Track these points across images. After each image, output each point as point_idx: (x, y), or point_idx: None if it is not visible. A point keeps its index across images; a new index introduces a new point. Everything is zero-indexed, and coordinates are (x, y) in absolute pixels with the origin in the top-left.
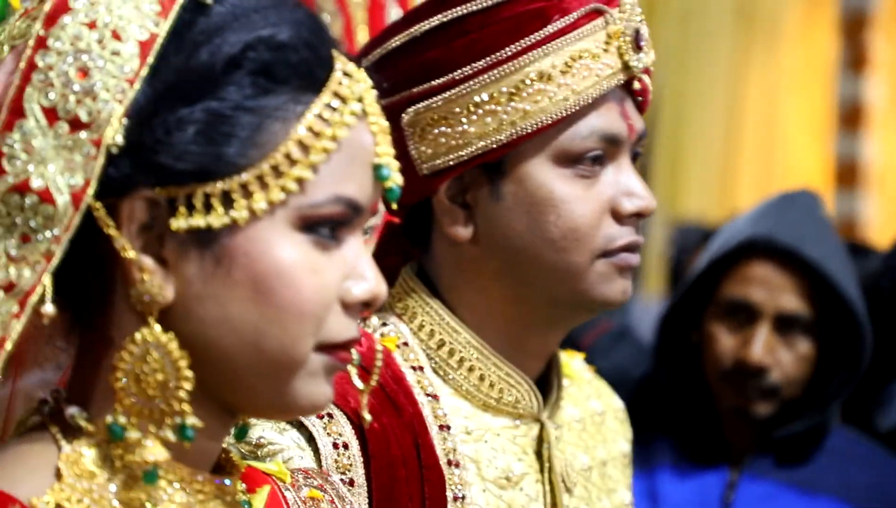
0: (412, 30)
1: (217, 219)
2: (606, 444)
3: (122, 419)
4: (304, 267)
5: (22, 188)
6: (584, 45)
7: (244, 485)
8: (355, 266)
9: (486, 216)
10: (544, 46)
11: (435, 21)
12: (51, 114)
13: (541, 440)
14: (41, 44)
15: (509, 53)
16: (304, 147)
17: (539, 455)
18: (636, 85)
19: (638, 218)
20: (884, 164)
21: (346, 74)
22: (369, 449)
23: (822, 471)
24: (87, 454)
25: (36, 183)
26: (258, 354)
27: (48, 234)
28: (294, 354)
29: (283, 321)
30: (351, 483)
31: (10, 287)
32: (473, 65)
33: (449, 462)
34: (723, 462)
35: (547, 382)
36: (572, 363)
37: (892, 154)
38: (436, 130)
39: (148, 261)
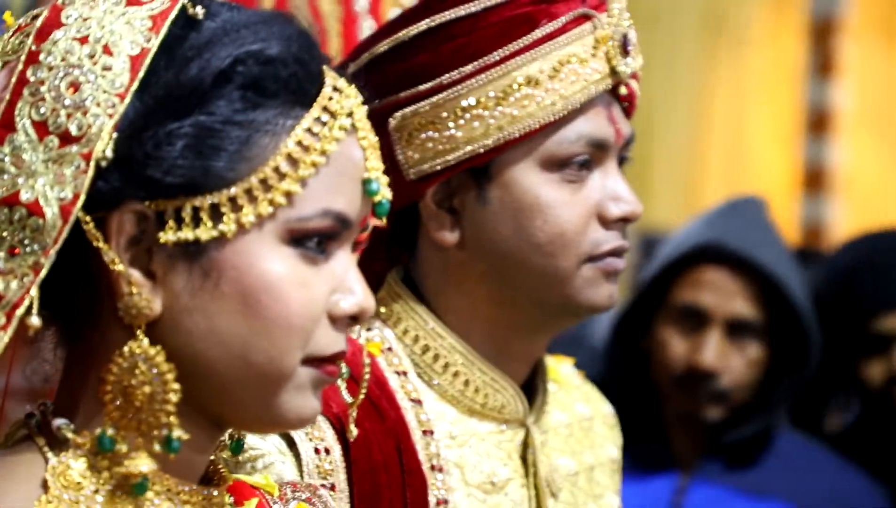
0: (399, 34)
1: (205, 232)
2: (594, 449)
3: (110, 431)
4: (293, 281)
5: (11, 201)
6: (571, 50)
7: (232, 498)
8: (343, 280)
9: (472, 221)
10: (532, 51)
11: (423, 26)
12: (41, 128)
13: (526, 445)
14: (33, 59)
15: (497, 58)
16: (293, 161)
17: (524, 459)
18: (623, 90)
19: (624, 223)
20: (851, 169)
21: (336, 89)
22: (351, 454)
23: (771, 475)
24: (74, 465)
25: (25, 196)
26: (246, 367)
27: (36, 247)
28: (281, 367)
29: (271, 333)
30: (332, 488)
31: None
32: (461, 69)
33: (432, 467)
34: (672, 467)
35: (533, 387)
36: (560, 368)
37: (860, 159)
38: (423, 135)
39: (136, 274)
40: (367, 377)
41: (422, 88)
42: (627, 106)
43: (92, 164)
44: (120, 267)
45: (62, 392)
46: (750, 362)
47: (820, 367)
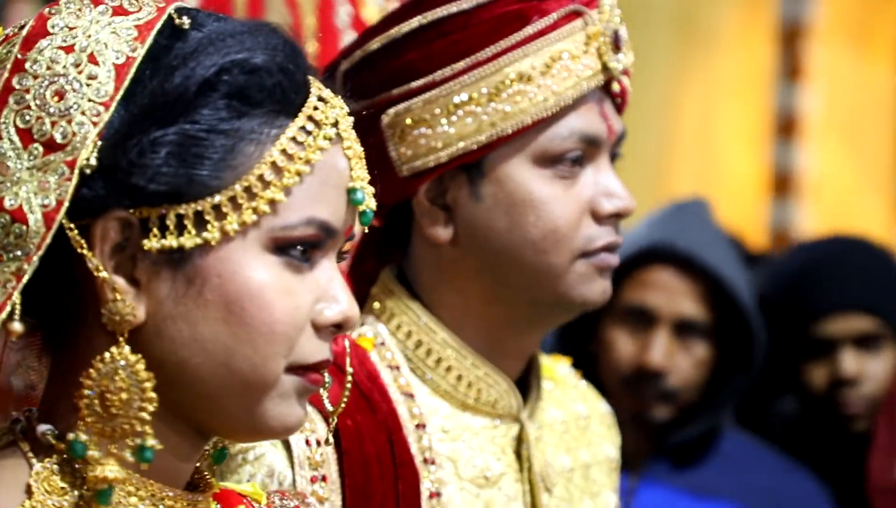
0: (391, 32)
1: (189, 240)
2: (591, 447)
3: (83, 436)
4: (276, 288)
5: None
6: (563, 46)
7: (219, 505)
8: (328, 289)
9: (465, 217)
10: (524, 47)
11: (414, 23)
12: (26, 136)
13: (520, 441)
14: (18, 67)
15: (489, 54)
16: (278, 170)
17: (518, 454)
18: (615, 86)
19: (617, 218)
20: (819, 173)
21: (321, 99)
22: (342, 446)
23: (718, 476)
24: (57, 471)
25: (9, 203)
26: (229, 374)
27: (20, 253)
28: (265, 374)
29: (254, 341)
30: (324, 479)
31: None
32: (453, 66)
33: (425, 460)
34: (622, 468)
35: (527, 383)
36: (557, 368)
37: (828, 164)
38: (416, 132)
39: (120, 281)
40: (346, 394)
41: (414, 84)
42: (619, 102)
43: (76, 171)
44: (104, 274)
45: (47, 398)
46: (697, 362)
47: (765, 369)
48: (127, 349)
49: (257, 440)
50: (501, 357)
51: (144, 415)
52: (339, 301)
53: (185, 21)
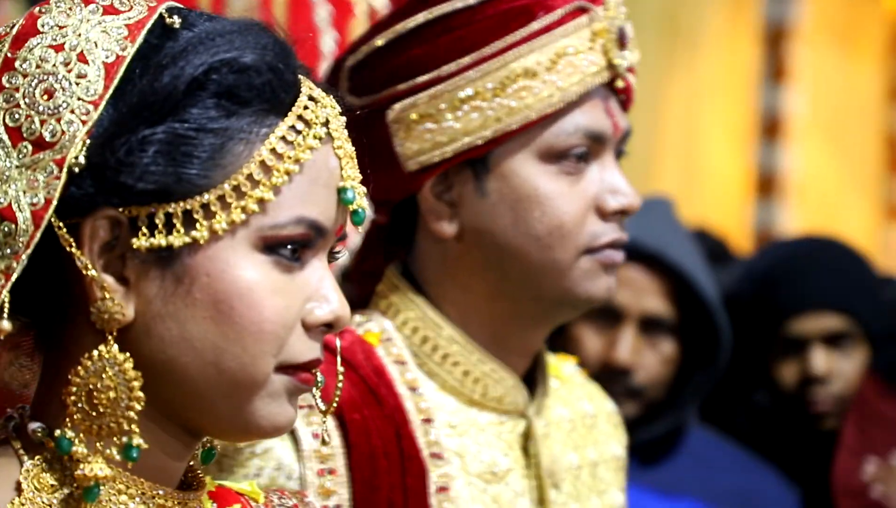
0: (397, 27)
1: (178, 238)
2: (598, 446)
3: (69, 434)
4: (266, 287)
5: None
6: (568, 43)
7: (215, 504)
8: (318, 288)
9: (470, 213)
10: (529, 43)
11: (420, 18)
12: (15, 134)
13: (527, 436)
14: (8, 65)
15: (494, 50)
16: (267, 169)
17: (525, 450)
18: (620, 83)
19: (622, 215)
20: (803, 174)
21: (311, 98)
22: (350, 440)
23: (683, 473)
24: (46, 468)
25: None
26: (218, 373)
27: (8, 251)
28: (254, 373)
29: (243, 340)
30: (332, 472)
31: None
32: (459, 61)
33: (432, 455)
34: None
35: (533, 380)
36: (563, 366)
37: (812, 165)
38: (421, 127)
39: (109, 280)
40: (338, 393)
41: (420, 80)
42: (624, 99)
43: (65, 170)
44: (93, 273)
45: (38, 396)
46: (663, 359)
47: (734, 367)
48: (115, 347)
49: (247, 440)
50: (507, 353)
51: (132, 414)
52: (330, 301)
53: (176, 20)
